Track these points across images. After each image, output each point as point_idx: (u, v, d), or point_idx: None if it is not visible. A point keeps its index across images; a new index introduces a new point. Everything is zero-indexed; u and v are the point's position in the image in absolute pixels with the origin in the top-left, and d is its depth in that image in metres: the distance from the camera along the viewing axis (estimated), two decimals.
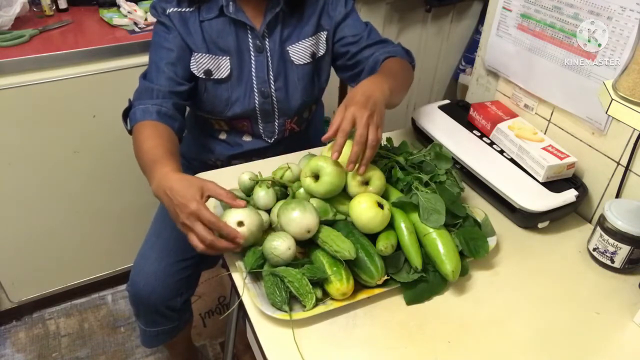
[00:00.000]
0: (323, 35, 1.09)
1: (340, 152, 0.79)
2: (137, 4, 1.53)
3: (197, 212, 0.73)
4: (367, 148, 0.79)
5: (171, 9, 0.99)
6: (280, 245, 0.74)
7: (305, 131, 1.20)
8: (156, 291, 1.08)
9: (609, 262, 0.86)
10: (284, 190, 0.89)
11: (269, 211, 0.86)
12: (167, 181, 0.78)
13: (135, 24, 1.44)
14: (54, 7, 1.50)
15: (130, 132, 0.96)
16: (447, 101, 1.22)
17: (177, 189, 0.77)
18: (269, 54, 1.04)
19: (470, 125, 1.12)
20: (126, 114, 1.00)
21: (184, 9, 0.99)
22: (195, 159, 1.21)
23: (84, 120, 1.40)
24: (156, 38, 1.02)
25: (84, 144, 1.43)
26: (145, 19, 1.47)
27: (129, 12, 1.47)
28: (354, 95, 0.84)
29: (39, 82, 1.28)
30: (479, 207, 0.93)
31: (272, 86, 1.07)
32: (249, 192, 0.90)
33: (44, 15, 1.47)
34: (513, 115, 1.10)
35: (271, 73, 1.06)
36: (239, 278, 0.78)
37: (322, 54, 1.10)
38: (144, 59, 1.38)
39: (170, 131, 0.95)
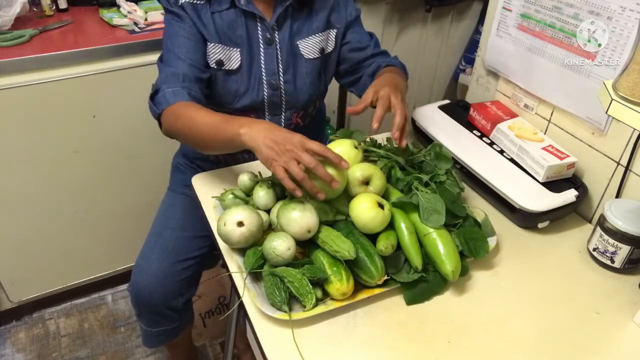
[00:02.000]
0: (333, 33, 1.11)
1: (380, 122, 0.86)
2: (137, 4, 1.53)
3: (304, 140, 0.76)
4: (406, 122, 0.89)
5: (183, 0, 0.99)
6: (280, 246, 0.74)
7: (308, 127, 1.21)
8: (157, 292, 1.08)
9: (609, 262, 0.86)
10: (283, 191, 0.89)
11: (268, 211, 0.86)
12: (264, 123, 0.82)
13: (135, 24, 1.44)
14: (54, 7, 1.50)
15: (159, 115, 0.95)
16: (447, 101, 1.22)
17: (279, 128, 0.80)
18: (278, 47, 1.05)
19: (470, 125, 1.12)
20: (152, 100, 0.98)
21: (195, 1, 0.99)
22: (198, 157, 1.21)
23: (84, 120, 1.40)
24: (170, 28, 1.00)
25: (84, 144, 1.43)
26: (145, 19, 1.47)
27: (129, 12, 1.47)
28: (383, 81, 0.94)
29: (39, 82, 1.28)
30: (479, 207, 0.93)
31: (281, 78, 1.07)
32: (248, 192, 0.90)
33: (44, 15, 1.47)
34: (513, 115, 1.10)
35: (280, 65, 1.07)
36: (239, 278, 0.78)
37: (330, 50, 1.11)
38: (144, 59, 1.39)
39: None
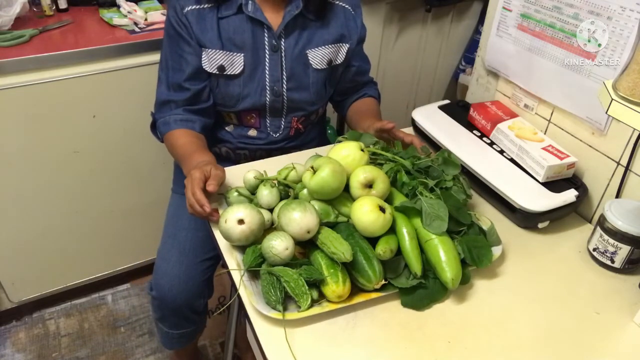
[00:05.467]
0: (345, 48, 1.12)
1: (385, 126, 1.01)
2: (137, 4, 1.53)
3: (192, 179, 0.86)
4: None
5: (190, 7, 1.00)
6: (278, 245, 0.74)
7: (309, 133, 1.22)
8: (181, 293, 1.09)
9: (609, 262, 0.86)
10: (288, 190, 0.90)
11: (272, 210, 0.86)
12: (196, 163, 0.95)
13: (135, 24, 1.44)
14: (54, 7, 1.50)
15: (162, 141, 1.11)
16: (447, 101, 1.22)
17: (196, 161, 0.96)
18: (283, 54, 1.06)
19: (470, 125, 1.12)
20: (153, 126, 1.13)
21: (202, 6, 1.00)
22: None
23: (84, 120, 1.40)
24: (175, 46, 1.04)
25: (84, 144, 1.43)
26: (145, 19, 1.47)
27: (129, 12, 1.47)
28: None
29: (39, 82, 1.28)
30: (486, 216, 0.91)
31: (284, 85, 1.08)
32: (253, 190, 0.90)
33: (44, 15, 1.47)
34: (513, 115, 1.10)
35: (284, 72, 1.07)
36: (238, 275, 0.78)
37: (338, 63, 1.13)
38: (144, 59, 1.39)
39: (191, 132, 1.06)
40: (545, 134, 1.06)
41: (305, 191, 0.86)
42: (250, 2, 1.01)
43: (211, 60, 1.03)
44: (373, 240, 0.79)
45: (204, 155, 0.98)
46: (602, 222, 0.86)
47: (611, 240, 0.84)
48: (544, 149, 0.97)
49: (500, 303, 0.79)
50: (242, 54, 1.03)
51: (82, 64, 1.33)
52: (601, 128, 0.93)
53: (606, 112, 0.65)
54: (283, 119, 1.14)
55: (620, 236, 0.83)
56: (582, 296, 0.82)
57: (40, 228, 1.50)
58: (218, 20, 1.01)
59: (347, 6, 1.10)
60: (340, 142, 0.92)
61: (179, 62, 1.04)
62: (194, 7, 1.00)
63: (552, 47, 1.00)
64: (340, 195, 0.85)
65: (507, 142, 1.03)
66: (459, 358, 0.70)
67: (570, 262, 0.89)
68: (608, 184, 0.95)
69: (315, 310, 0.73)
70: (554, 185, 0.94)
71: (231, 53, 1.03)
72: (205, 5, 1.00)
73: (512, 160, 1.00)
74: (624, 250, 0.83)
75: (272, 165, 0.98)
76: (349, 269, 0.76)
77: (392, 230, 0.81)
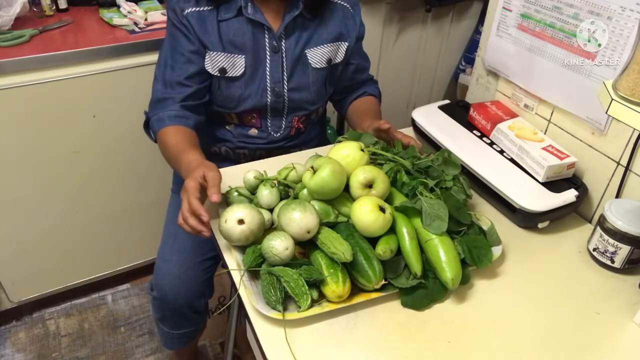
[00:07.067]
0: (344, 46, 1.12)
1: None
2: (137, 4, 1.53)
3: (186, 189, 0.81)
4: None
5: (190, 9, 1.00)
6: (278, 245, 0.74)
7: (310, 132, 1.22)
8: (181, 293, 1.09)
9: (609, 262, 0.86)
10: (288, 190, 0.90)
11: (272, 210, 0.86)
12: (186, 164, 0.92)
13: (135, 24, 1.44)
14: (54, 7, 1.50)
15: (155, 141, 1.07)
16: (447, 101, 1.22)
17: (190, 168, 0.90)
18: (284, 54, 1.06)
19: (470, 125, 1.12)
20: (146, 126, 1.10)
21: (202, 8, 1.00)
22: (204, 150, 1.22)
23: (84, 120, 1.40)
24: (176, 45, 1.03)
25: (84, 144, 1.43)
26: (145, 19, 1.47)
27: (129, 12, 1.47)
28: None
29: (39, 82, 1.28)
30: (486, 216, 0.91)
31: (285, 86, 1.08)
32: (253, 190, 0.90)
33: (44, 15, 1.47)
34: (513, 115, 1.10)
35: (285, 73, 1.07)
36: (238, 275, 0.78)
37: (338, 62, 1.13)
38: (144, 59, 1.39)
39: (183, 128, 1.03)
40: (545, 134, 1.06)
41: (305, 191, 0.86)
42: (249, 4, 1.01)
43: (213, 62, 1.03)
44: (373, 240, 0.79)
45: (193, 153, 0.94)
46: (602, 222, 0.86)
47: (611, 240, 0.84)
48: (544, 149, 0.97)
49: (500, 303, 0.79)
50: (243, 56, 1.03)
51: (82, 64, 1.33)
52: (601, 128, 0.93)
53: (606, 112, 0.65)
54: (284, 119, 1.14)
55: (620, 236, 0.83)
56: (582, 296, 0.82)
57: (40, 228, 1.50)
58: (218, 23, 1.01)
59: (345, 4, 1.11)
60: (340, 142, 0.92)
61: (181, 61, 1.03)
62: (193, 9, 1.00)
63: (552, 47, 1.00)
64: (340, 195, 0.85)
65: (507, 142, 1.03)
66: (459, 358, 0.70)
67: (570, 262, 0.89)
68: (608, 184, 0.95)
69: (315, 310, 0.73)
70: (554, 185, 0.94)
71: (232, 55, 1.03)
72: (205, 8, 1.00)
73: (512, 160, 1.00)
74: (624, 250, 0.83)
75: (272, 165, 0.98)
76: (349, 269, 0.76)
77: (392, 230, 0.81)
